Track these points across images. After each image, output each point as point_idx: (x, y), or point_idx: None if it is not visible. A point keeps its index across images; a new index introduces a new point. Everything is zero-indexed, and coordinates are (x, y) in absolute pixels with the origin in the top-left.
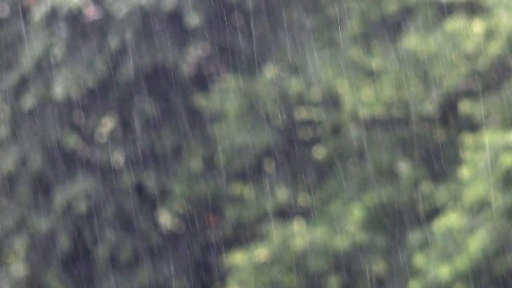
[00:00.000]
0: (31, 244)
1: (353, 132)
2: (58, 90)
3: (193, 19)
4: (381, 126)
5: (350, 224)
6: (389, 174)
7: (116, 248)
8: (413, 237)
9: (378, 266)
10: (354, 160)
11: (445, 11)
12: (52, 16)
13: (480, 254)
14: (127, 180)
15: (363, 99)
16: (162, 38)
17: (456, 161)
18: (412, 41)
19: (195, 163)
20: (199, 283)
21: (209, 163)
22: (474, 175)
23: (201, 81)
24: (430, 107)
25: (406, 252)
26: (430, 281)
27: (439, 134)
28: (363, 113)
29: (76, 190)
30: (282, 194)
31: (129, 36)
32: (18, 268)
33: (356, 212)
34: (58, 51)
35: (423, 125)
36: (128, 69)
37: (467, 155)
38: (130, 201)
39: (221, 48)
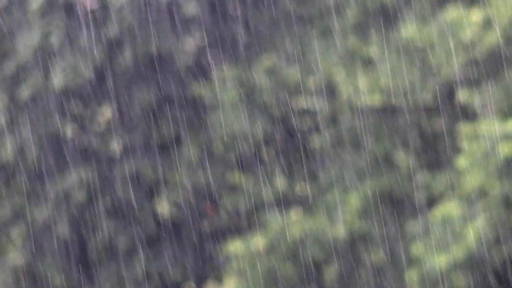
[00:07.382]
0: (28, 233)
1: (351, 121)
2: (56, 79)
3: (191, 9)
4: (379, 115)
5: (347, 213)
6: (387, 163)
7: (113, 237)
8: (411, 226)
9: (375, 255)
10: (351, 149)
11: (443, 0)
12: (50, 5)
13: (478, 243)
14: (125, 169)
15: (360, 88)
16: (160, 28)
17: (453, 150)
18: (410, 30)
19: (193, 152)
20: (197, 271)
21: (207, 152)
22: (472, 164)
23: (199, 71)
24: (427, 96)
25: (404, 241)
26: (427, 270)
27: (437, 123)
28: (361, 102)
29: (74, 179)
30: (279, 183)
31: (126, 25)
32: (16, 258)
33: (354, 201)
34: (55, 40)
35: (420, 114)
36: (125, 58)
37: (464, 144)
38: (127, 190)
39: (219, 37)
